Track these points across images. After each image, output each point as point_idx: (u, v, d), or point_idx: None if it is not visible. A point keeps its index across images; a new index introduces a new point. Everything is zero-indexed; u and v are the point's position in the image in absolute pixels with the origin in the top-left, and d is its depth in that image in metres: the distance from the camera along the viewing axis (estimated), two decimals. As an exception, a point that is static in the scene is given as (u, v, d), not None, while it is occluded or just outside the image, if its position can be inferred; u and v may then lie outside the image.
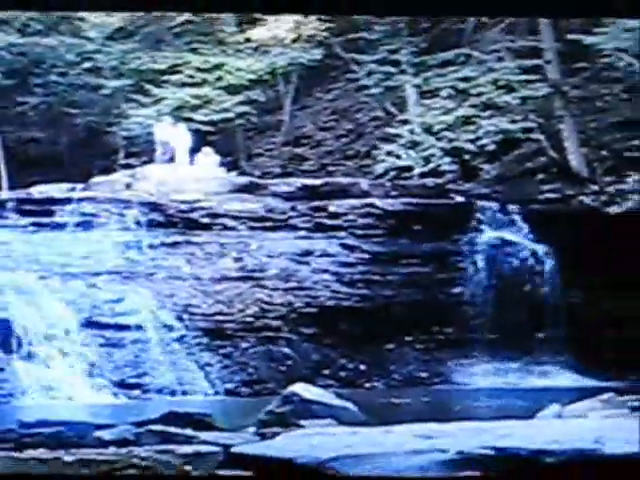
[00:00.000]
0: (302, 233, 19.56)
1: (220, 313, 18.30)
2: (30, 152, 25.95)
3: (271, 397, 12.44)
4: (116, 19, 24.67)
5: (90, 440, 9.86)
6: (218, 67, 24.18)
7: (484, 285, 19.30)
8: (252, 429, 10.71)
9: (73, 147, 25.97)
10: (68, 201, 19.80)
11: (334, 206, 19.73)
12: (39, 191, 20.48)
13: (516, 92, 21.17)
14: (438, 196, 20.37)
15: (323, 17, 22.86)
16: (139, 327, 17.70)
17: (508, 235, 19.71)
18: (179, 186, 20.51)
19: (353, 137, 25.11)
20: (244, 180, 21.36)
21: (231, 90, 23.98)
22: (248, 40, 24.02)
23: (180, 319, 18.03)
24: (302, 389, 11.87)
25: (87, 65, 24.97)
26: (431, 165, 21.26)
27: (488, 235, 19.68)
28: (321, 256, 19.21)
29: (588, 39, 20.00)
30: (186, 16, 24.58)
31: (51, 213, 19.60)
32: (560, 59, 21.41)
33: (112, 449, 8.46)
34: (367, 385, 18.19)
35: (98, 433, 10.17)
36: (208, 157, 22.10)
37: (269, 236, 19.45)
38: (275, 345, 18.30)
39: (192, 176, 21.05)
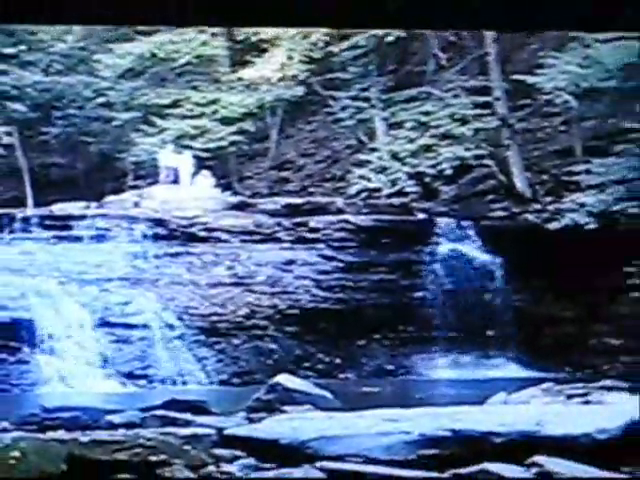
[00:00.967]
0: (286, 245, 19.53)
1: (215, 314, 18.24)
2: (51, 175, 25.89)
3: (259, 386, 12.38)
4: (127, 61, 24.63)
5: (102, 423, 9.81)
6: (214, 102, 24.15)
7: (442, 290, 19.29)
8: (242, 414, 10.65)
9: (88, 171, 25.91)
10: (84, 217, 19.73)
11: (314, 222, 19.71)
12: (59, 208, 20.42)
13: (470, 124, 21.19)
14: (403, 213, 20.37)
15: (304, 59, 22.91)
16: (145, 326, 17.63)
17: (463, 247, 19.71)
18: (180, 204, 20.47)
19: (330, 162, 25.11)
20: (236, 199, 21.34)
21: (225, 122, 23.95)
22: (240, 79, 24.00)
23: (180, 319, 17.97)
24: (285, 379, 11.83)
25: (101, 100, 24.93)
26: (397, 187, 21.26)
27: (446, 247, 19.67)
28: (302, 265, 19.18)
29: (531, 79, 20.03)
30: (187, 59, 24.59)
31: (69, 227, 19.52)
32: (507, 96, 21.45)
33: (121, 431, 8.41)
34: (341, 376, 18.14)
35: (109, 417, 10.12)
36: (205, 179, 22.08)
37: (257, 247, 19.41)
38: (262, 341, 18.24)
39: (191, 196, 21.01)
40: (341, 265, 19.25)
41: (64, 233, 19.41)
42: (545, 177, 21.07)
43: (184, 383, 17.13)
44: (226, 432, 8.66)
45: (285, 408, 10.84)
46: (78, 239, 19.32)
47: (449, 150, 21.02)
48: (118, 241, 19.30)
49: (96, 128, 25.12)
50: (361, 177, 21.75)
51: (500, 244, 19.18)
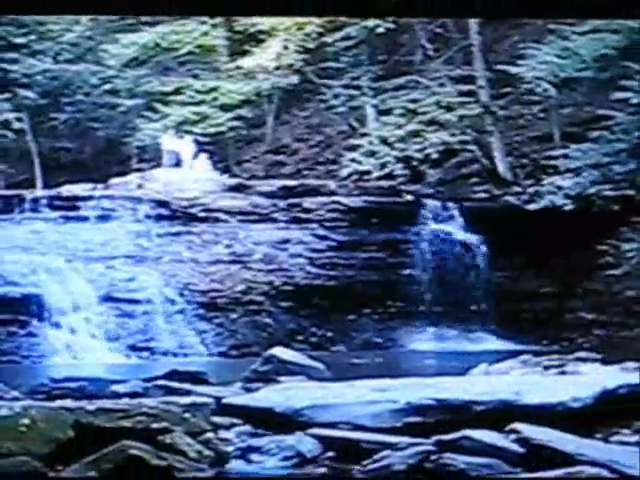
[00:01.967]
0: (281, 225, 19.50)
1: (214, 290, 18.23)
2: (60, 158, 25.76)
3: (255, 358, 12.38)
4: (132, 50, 24.51)
5: (107, 393, 9.82)
6: (214, 90, 24.04)
7: (428, 267, 19.31)
8: (239, 384, 10.68)
9: (95, 154, 25.80)
10: (90, 198, 19.66)
11: (307, 203, 19.68)
12: (67, 190, 20.32)
13: (455, 111, 21.14)
14: (391, 195, 20.34)
15: (299, 49, 22.82)
16: (148, 301, 17.61)
17: (448, 227, 19.72)
18: (181, 186, 20.40)
19: (323, 147, 25.04)
20: (234, 182, 21.25)
21: (224, 108, 23.85)
22: (238, 68, 23.88)
23: (181, 295, 17.96)
24: (280, 352, 11.83)
25: (107, 87, 24.78)
26: (386, 170, 21.20)
27: (432, 227, 19.67)
28: (297, 244, 19.16)
29: (513, 69, 19.99)
30: (188, 48, 24.48)
31: (76, 208, 19.45)
32: (490, 85, 21.40)
33: (125, 400, 8.40)
34: (333, 349, 18.16)
35: (114, 387, 10.14)
36: (205, 163, 22.01)
37: (254, 227, 19.38)
38: (259, 316, 18.25)
39: (192, 178, 20.94)
40: (333, 244, 19.23)
41: (71, 213, 19.35)
42: (525, 161, 21.07)
43: (185, 355, 17.14)
44: (224, 401, 8.68)
45: (280, 378, 10.84)
46: (85, 219, 19.27)
47: (435, 135, 20.97)
48: (122, 221, 19.26)
49: (102, 114, 24.99)
50: (352, 160, 21.70)
51: (483, 224, 19.19)
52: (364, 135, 22.38)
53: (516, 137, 21.76)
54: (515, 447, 7.28)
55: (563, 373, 10.35)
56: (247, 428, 8.11)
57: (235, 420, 8.25)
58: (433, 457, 7.25)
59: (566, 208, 18.32)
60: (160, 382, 10.23)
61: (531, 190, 19.63)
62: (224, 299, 18.16)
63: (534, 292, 19.04)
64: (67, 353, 16.43)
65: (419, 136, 21.16)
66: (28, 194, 20.17)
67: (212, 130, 23.49)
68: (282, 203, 19.70)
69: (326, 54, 23.32)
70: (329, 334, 18.42)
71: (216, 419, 8.13)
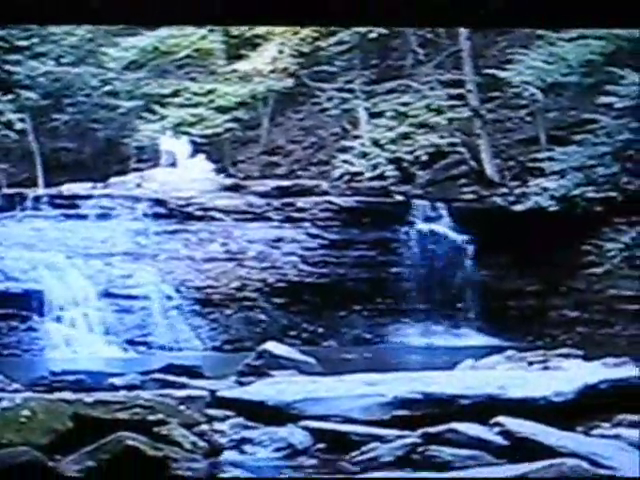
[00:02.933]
0: (275, 224, 19.50)
1: (209, 286, 18.23)
2: (61, 158, 25.70)
3: (248, 353, 12.39)
4: (131, 53, 24.49)
5: (105, 385, 9.81)
6: (211, 92, 24.04)
7: (417, 266, 19.33)
8: (233, 378, 10.65)
9: (95, 154, 25.75)
10: (90, 197, 19.65)
11: (301, 202, 19.68)
12: (67, 189, 20.30)
13: (444, 114, 21.16)
14: (382, 195, 20.34)
15: (294, 53, 22.83)
16: (145, 297, 17.61)
17: (436, 227, 19.74)
18: (178, 186, 20.39)
19: (316, 148, 25.04)
20: (230, 181, 21.25)
21: (221, 110, 23.84)
22: (235, 71, 23.88)
23: (178, 291, 17.96)
24: (273, 347, 11.81)
25: (107, 89, 24.74)
26: (377, 171, 21.22)
27: (421, 227, 19.69)
28: (290, 242, 19.17)
29: (501, 73, 20.03)
30: (186, 52, 24.47)
31: (76, 206, 19.45)
32: (479, 89, 21.43)
33: (122, 392, 8.42)
34: (324, 344, 18.17)
35: (111, 380, 10.13)
36: (202, 163, 21.98)
37: (249, 226, 19.38)
38: (252, 312, 18.25)
39: (189, 178, 20.93)
40: (325, 242, 19.24)
41: (72, 211, 19.34)
42: (512, 163, 21.09)
43: (180, 349, 17.14)
44: (218, 394, 8.70)
45: (272, 373, 10.81)
46: (84, 217, 19.26)
47: (425, 138, 21.00)
48: (121, 219, 19.24)
49: (102, 115, 24.95)
50: (344, 162, 21.72)
51: (470, 224, 19.21)
52: (356, 137, 22.39)
53: (503, 140, 21.79)
54: (499, 439, 7.31)
55: (546, 368, 10.37)
56: (240, 420, 8.13)
57: (229, 412, 8.26)
58: (420, 449, 7.28)
59: (551, 209, 18.35)
60: (156, 375, 10.23)
61: (517, 191, 19.67)
62: (219, 295, 18.16)
63: (519, 290, 19.07)
64: (66, 347, 16.41)
65: (409, 138, 21.18)
66: (30, 192, 20.16)
67: (209, 131, 23.47)
68: (276, 202, 19.70)
69: (320, 58, 23.33)
70: (320, 330, 18.43)
71: (210, 411, 8.16)
